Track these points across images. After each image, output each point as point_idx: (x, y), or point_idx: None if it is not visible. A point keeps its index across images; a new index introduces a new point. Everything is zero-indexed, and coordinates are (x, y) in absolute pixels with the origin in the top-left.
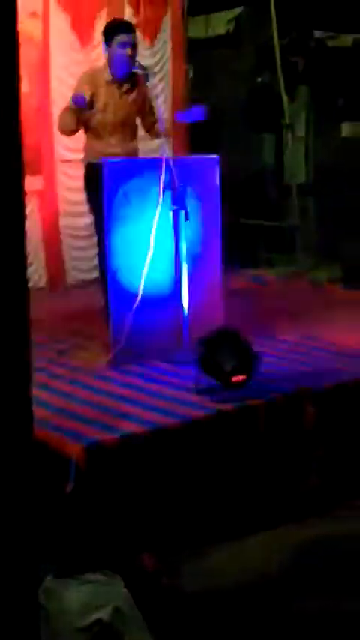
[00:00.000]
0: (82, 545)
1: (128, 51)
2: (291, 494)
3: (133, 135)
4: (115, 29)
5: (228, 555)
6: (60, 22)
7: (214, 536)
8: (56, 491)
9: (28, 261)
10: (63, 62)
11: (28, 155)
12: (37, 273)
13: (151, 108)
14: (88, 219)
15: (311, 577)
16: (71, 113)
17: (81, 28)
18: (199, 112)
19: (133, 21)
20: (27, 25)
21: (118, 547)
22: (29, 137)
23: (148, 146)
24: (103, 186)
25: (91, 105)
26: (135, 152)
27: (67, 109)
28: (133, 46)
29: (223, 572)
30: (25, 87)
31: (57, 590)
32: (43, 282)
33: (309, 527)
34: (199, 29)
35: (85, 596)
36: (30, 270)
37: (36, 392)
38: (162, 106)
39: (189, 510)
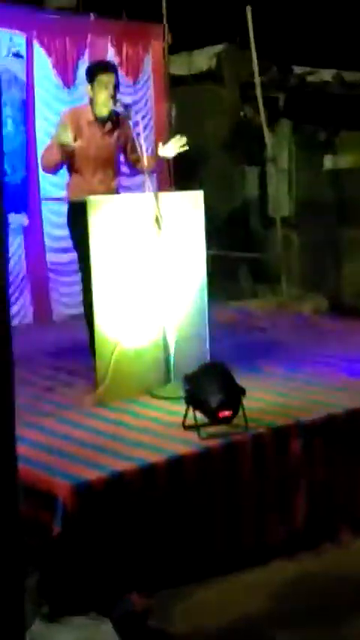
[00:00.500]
0: (70, 586)
1: (110, 91)
2: (278, 530)
3: (116, 173)
4: (96, 69)
5: (216, 593)
6: (43, 62)
7: (202, 574)
8: (44, 531)
9: (15, 297)
10: (47, 101)
11: (13, 192)
12: (23, 309)
13: (133, 146)
14: (73, 255)
15: (297, 613)
16: (56, 149)
17: (64, 68)
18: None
19: (116, 60)
20: (11, 66)
21: (106, 587)
22: (15, 175)
23: (131, 182)
24: (87, 223)
25: (74, 140)
26: (117, 189)
27: (50, 147)
28: (115, 86)
29: (210, 611)
30: (10, 126)
31: (46, 636)
32: (29, 318)
33: (296, 563)
34: (181, 66)
35: None
36: (17, 306)
37: (22, 430)
38: (145, 143)
39: (177, 548)
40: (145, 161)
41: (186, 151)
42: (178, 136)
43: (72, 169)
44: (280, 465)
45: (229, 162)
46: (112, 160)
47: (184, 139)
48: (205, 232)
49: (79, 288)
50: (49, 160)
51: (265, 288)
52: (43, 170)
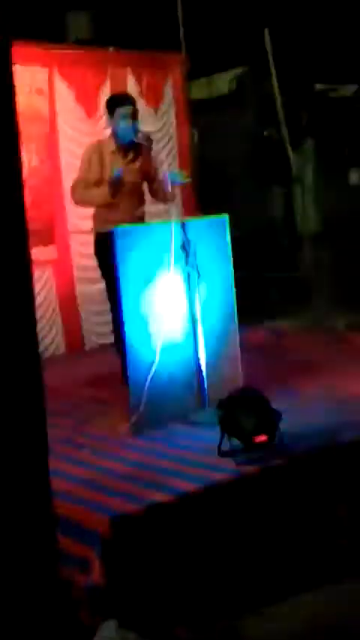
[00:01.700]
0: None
1: (129, 122)
2: (322, 555)
3: (141, 201)
4: (115, 102)
5: (262, 624)
6: (65, 96)
7: (246, 605)
8: (84, 566)
9: (47, 330)
10: (70, 134)
11: (41, 226)
12: (55, 340)
13: (155, 176)
14: (102, 285)
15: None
16: (102, 187)
17: (86, 100)
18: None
19: (136, 89)
20: (34, 102)
21: (151, 620)
22: (42, 208)
23: (157, 209)
24: (114, 254)
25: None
26: (143, 217)
27: (79, 183)
28: (134, 117)
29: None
30: (35, 161)
31: None
32: (62, 349)
33: (344, 589)
34: (201, 90)
35: None
36: (49, 338)
37: (58, 463)
38: (168, 169)
39: (220, 578)
40: (168, 189)
41: (211, 174)
42: (186, 175)
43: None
44: (319, 488)
45: (254, 184)
46: (137, 188)
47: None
48: (234, 253)
49: (109, 317)
50: (93, 197)
51: (297, 307)
52: (77, 204)
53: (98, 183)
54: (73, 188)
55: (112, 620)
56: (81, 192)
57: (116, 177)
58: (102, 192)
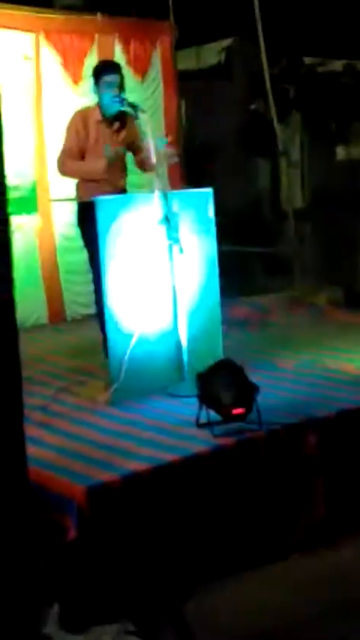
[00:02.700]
0: (89, 590)
1: (115, 91)
2: (296, 526)
3: (125, 171)
4: (101, 70)
5: (235, 591)
6: (51, 62)
7: (220, 572)
8: (60, 534)
9: (29, 299)
10: (56, 101)
11: (24, 194)
12: (38, 310)
13: (140, 146)
14: (85, 255)
15: (317, 608)
16: (93, 161)
17: (72, 67)
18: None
19: (123, 58)
20: (20, 68)
21: (125, 589)
22: (25, 176)
23: (142, 180)
24: (96, 224)
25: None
26: (125, 188)
27: (64, 153)
28: (120, 86)
29: (230, 609)
30: (19, 127)
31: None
32: (44, 319)
33: (316, 557)
34: (190, 61)
35: None
36: (31, 308)
37: (36, 431)
38: (154, 140)
39: (193, 547)
40: (153, 158)
41: (198, 146)
42: (174, 152)
43: None
44: (294, 460)
45: (240, 156)
46: (121, 158)
47: (172, 152)
48: (218, 227)
49: (91, 287)
50: (74, 170)
51: (279, 282)
52: (63, 175)
53: (83, 152)
54: (60, 160)
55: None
56: (70, 166)
57: (110, 157)
58: (94, 169)
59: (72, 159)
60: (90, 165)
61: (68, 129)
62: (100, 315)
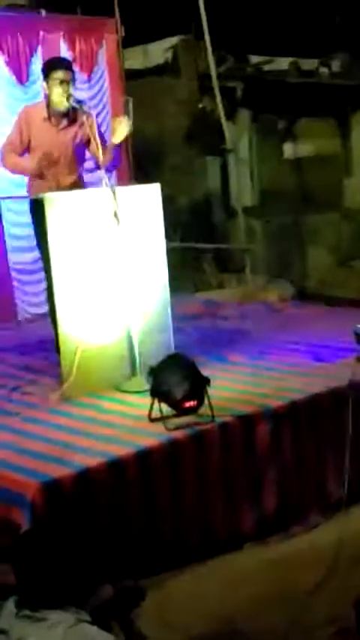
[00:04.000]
0: (42, 581)
1: (64, 87)
2: (249, 516)
3: (73, 168)
4: (51, 66)
5: (189, 583)
6: None
7: (175, 564)
8: (15, 530)
9: None
10: (2, 100)
11: None
12: None
13: (91, 141)
14: (37, 254)
15: (266, 600)
16: (32, 158)
17: (17, 66)
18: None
19: (69, 55)
20: None
21: (79, 581)
22: None
23: (93, 177)
24: (46, 221)
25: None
26: (76, 184)
27: (6, 147)
28: (70, 83)
29: (183, 602)
30: None
31: (21, 628)
32: None
33: (268, 547)
34: (137, 60)
35: None
36: None
37: None
38: (102, 138)
39: (149, 540)
40: (100, 156)
41: (146, 144)
42: (119, 119)
43: None
44: (247, 452)
45: (189, 154)
46: (70, 156)
47: (126, 120)
48: (168, 225)
49: (42, 286)
50: (16, 165)
51: (231, 278)
52: (6, 170)
53: (26, 147)
54: (3, 153)
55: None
56: (9, 160)
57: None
58: (27, 167)
59: (13, 153)
60: (25, 163)
61: (14, 124)
62: (51, 313)
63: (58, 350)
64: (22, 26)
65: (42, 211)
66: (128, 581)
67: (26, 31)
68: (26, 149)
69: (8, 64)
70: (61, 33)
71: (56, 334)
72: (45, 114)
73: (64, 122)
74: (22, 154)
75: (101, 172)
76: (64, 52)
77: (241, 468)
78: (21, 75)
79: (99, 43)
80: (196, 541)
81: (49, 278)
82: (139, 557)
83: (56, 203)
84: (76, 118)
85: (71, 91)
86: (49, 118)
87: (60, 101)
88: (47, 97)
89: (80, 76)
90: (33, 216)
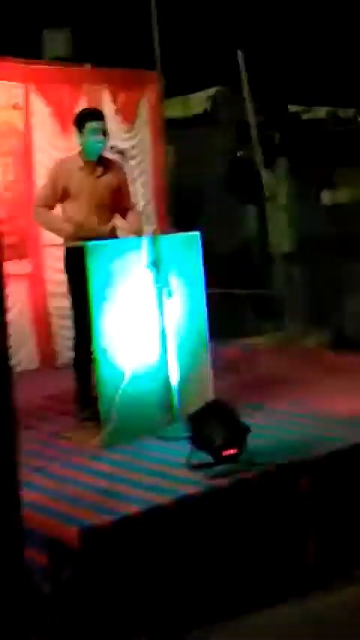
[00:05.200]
0: (81, 629)
1: (99, 137)
2: (290, 568)
3: (110, 216)
4: (85, 117)
5: (228, 636)
6: (41, 112)
7: (213, 617)
8: (54, 576)
9: (20, 344)
10: (45, 149)
11: (15, 239)
12: (28, 355)
13: (128, 193)
14: None
15: None
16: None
17: (61, 116)
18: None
19: (112, 106)
20: (10, 117)
21: (117, 630)
22: (16, 222)
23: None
24: (86, 269)
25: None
26: (113, 232)
27: (39, 200)
28: (104, 132)
29: None
30: (10, 175)
31: None
32: (35, 364)
33: (309, 601)
34: (176, 109)
35: None
36: (22, 353)
37: (29, 476)
38: (142, 188)
39: (186, 591)
40: (140, 204)
41: (186, 193)
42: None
43: (65, 215)
44: (287, 501)
45: (228, 203)
46: (106, 203)
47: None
48: (207, 271)
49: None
50: (46, 222)
51: (269, 325)
52: (36, 222)
53: (60, 199)
54: (35, 207)
55: None
56: (42, 217)
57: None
58: (61, 231)
59: (45, 207)
60: (59, 226)
61: (47, 176)
62: (77, 362)
63: (78, 400)
64: (66, 78)
65: (80, 259)
66: (165, 633)
67: (71, 82)
68: (60, 200)
69: (53, 114)
70: (104, 85)
71: (80, 385)
72: (81, 163)
73: (100, 170)
74: (52, 208)
75: (141, 221)
76: (107, 103)
77: (282, 518)
78: (65, 125)
79: (140, 95)
80: (235, 593)
81: (78, 327)
82: (177, 608)
83: (97, 251)
84: (112, 166)
85: (106, 140)
86: (85, 167)
87: (94, 150)
88: (82, 147)
89: (122, 126)
90: (69, 264)
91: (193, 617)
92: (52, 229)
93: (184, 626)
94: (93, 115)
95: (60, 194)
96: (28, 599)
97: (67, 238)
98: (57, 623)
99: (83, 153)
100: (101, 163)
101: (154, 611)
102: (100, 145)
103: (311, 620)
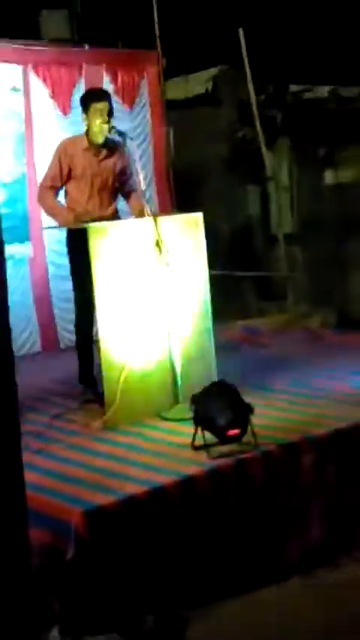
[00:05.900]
0: (86, 608)
1: (104, 117)
2: (294, 546)
3: (113, 198)
4: (90, 97)
5: (232, 614)
6: (40, 94)
7: (218, 594)
8: (58, 556)
9: (22, 328)
10: (46, 131)
11: (17, 222)
12: (31, 338)
13: (131, 174)
14: None
15: (313, 631)
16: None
17: (61, 98)
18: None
19: (111, 87)
20: (9, 100)
21: (122, 609)
22: (17, 206)
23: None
24: (90, 251)
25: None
26: (114, 214)
27: (45, 180)
28: (109, 113)
29: (226, 633)
30: (10, 158)
31: None
32: (37, 347)
33: (313, 579)
34: (177, 90)
35: None
36: (25, 336)
37: (32, 458)
38: (143, 169)
39: (191, 568)
40: (142, 184)
41: (187, 174)
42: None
43: (67, 197)
44: (291, 480)
45: (229, 183)
46: (109, 185)
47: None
48: (209, 252)
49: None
50: (50, 207)
51: (272, 306)
52: (40, 207)
53: (65, 180)
54: (40, 190)
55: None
56: (46, 202)
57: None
58: (62, 219)
59: (51, 191)
60: (61, 214)
61: (53, 156)
62: (79, 344)
63: (81, 380)
64: (65, 59)
65: (81, 240)
66: (170, 611)
67: (69, 64)
68: (67, 181)
69: (52, 96)
70: (104, 65)
71: (82, 366)
72: (86, 144)
73: (104, 152)
74: (60, 188)
75: (143, 202)
76: (107, 84)
77: (285, 497)
78: (64, 106)
79: (140, 75)
80: (239, 571)
81: (80, 308)
82: (182, 587)
83: (100, 233)
84: (116, 148)
85: (112, 122)
86: (90, 148)
87: (100, 132)
88: (87, 128)
89: (122, 107)
90: (70, 245)
91: (198, 595)
92: (52, 215)
93: (189, 604)
94: (98, 95)
95: (65, 174)
96: (32, 580)
97: (66, 226)
98: (62, 603)
99: (88, 134)
100: (106, 146)
101: (158, 590)
102: (106, 126)
103: (319, 595)
